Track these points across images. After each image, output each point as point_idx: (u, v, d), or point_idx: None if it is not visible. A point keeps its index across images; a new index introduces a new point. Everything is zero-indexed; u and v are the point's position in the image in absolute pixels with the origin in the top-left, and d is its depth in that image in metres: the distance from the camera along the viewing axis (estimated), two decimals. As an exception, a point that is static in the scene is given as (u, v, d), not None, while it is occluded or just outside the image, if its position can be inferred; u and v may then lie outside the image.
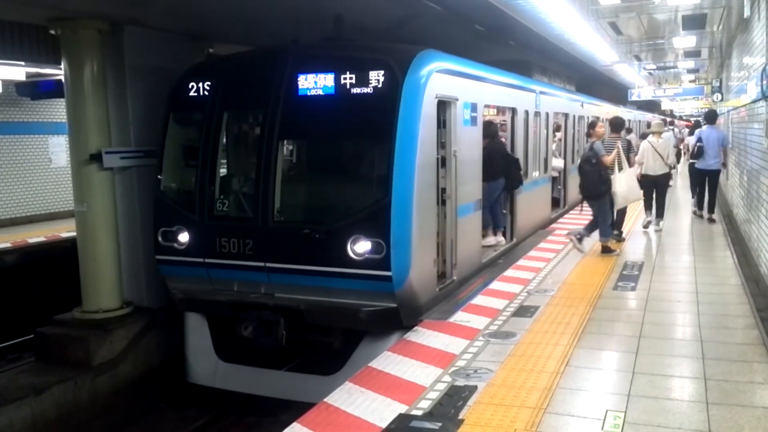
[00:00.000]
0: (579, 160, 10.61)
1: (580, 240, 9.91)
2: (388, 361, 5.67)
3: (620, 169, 9.65)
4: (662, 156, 11.44)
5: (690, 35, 17.77)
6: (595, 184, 9.64)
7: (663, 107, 40.40)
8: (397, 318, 6.81)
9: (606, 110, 20.99)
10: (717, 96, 20.48)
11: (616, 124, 10.54)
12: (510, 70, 10.91)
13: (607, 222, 9.91)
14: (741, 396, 4.71)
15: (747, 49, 10.85)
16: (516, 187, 10.39)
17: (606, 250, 9.80)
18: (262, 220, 7.19)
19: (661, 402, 4.63)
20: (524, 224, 11.26)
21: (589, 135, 10.86)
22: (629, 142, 10.40)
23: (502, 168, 9.95)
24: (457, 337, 6.17)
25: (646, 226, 11.92)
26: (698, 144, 12.54)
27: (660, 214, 11.86)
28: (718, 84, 21.09)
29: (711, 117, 13.45)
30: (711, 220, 12.70)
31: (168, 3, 8.08)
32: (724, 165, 12.97)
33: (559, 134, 15.03)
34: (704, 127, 13.46)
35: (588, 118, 17.60)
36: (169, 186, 8.10)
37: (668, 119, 40.09)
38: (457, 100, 7.88)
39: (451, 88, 7.73)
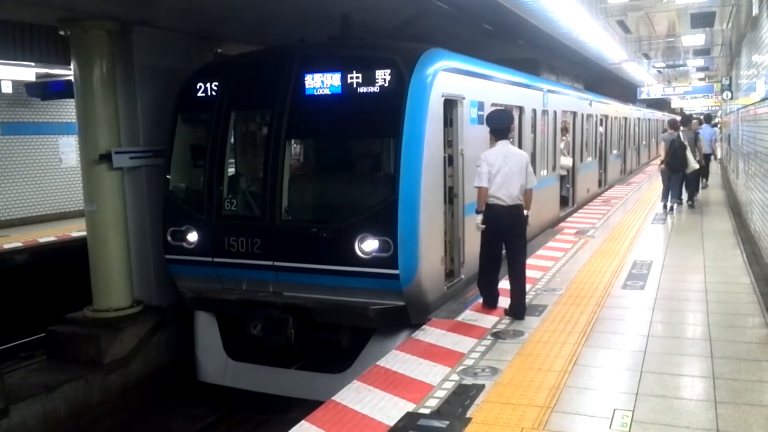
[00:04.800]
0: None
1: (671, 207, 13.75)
2: (396, 359, 5.68)
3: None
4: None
5: (699, 33, 17.68)
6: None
7: (673, 105, 40.18)
8: (405, 316, 6.82)
9: (615, 108, 20.91)
10: (727, 94, 20.37)
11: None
12: (517, 68, 10.88)
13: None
14: (749, 395, 4.69)
15: (756, 47, 10.78)
16: None
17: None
18: (270, 219, 7.22)
19: (670, 401, 4.62)
20: (532, 223, 11.21)
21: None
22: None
23: None
24: (465, 336, 6.18)
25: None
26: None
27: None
28: (728, 82, 20.97)
29: (707, 118, 21.25)
30: (704, 186, 18.00)
31: (177, 3, 8.13)
32: (714, 151, 20.55)
33: (567, 136, 14.97)
34: (702, 126, 19.03)
35: (596, 116, 17.56)
36: (177, 186, 8.14)
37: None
38: (464, 98, 7.87)
39: (458, 86, 7.73)
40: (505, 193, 6.47)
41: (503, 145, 6.65)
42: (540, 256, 9.79)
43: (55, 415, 7.38)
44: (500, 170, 6.44)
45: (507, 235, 6.65)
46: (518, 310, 6.66)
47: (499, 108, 7.88)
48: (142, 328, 8.57)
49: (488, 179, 6.44)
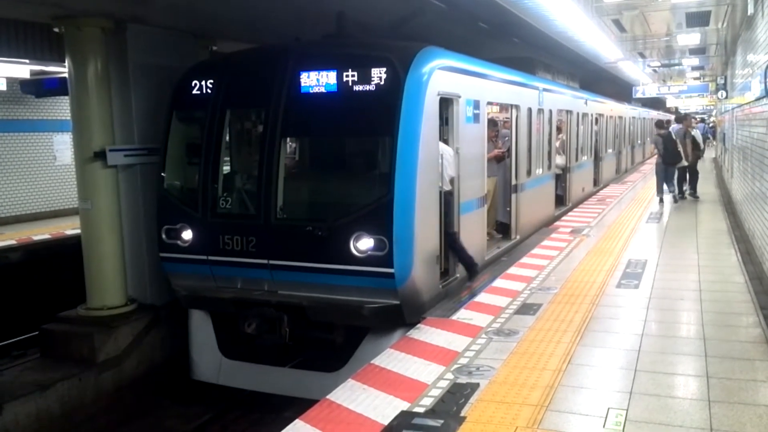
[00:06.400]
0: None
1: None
2: (391, 358, 5.67)
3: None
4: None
5: (694, 32, 17.71)
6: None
7: (668, 104, 40.27)
8: (400, 315, 6.82)
9: (610, 107, 20.95)
10: (722, 93, 20.43)
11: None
12: (513, 67, 10.89)
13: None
14: (743, 394, 4.70)
15: (751, 46, 10.82)
16: None
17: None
18: (265, 217, 7.21)
19: (664, 400, 4.63)
20: (527, 222, 11.26)
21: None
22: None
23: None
24: (460, 335, 6.17)
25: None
26: None
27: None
28: (723, 81, 21.03)
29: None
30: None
31: (171, 1, 8.09)
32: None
33: (561, 135, 14.99)
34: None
35: (592, 115, 17.59)
36: (172, 184, 8.11)
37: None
38: (460, 97, 7.87)
39: (454, 85, 7.73)
40: (446, 181, 7.65)
41: (442, 143, 7.72)
42: (535, 255, 9.80)
43: (49, 414, 7.36)
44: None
45: (447, 216, 7.69)
46: (470, 272, 8.17)
47: None
48: (136, 326, 8.55)
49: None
